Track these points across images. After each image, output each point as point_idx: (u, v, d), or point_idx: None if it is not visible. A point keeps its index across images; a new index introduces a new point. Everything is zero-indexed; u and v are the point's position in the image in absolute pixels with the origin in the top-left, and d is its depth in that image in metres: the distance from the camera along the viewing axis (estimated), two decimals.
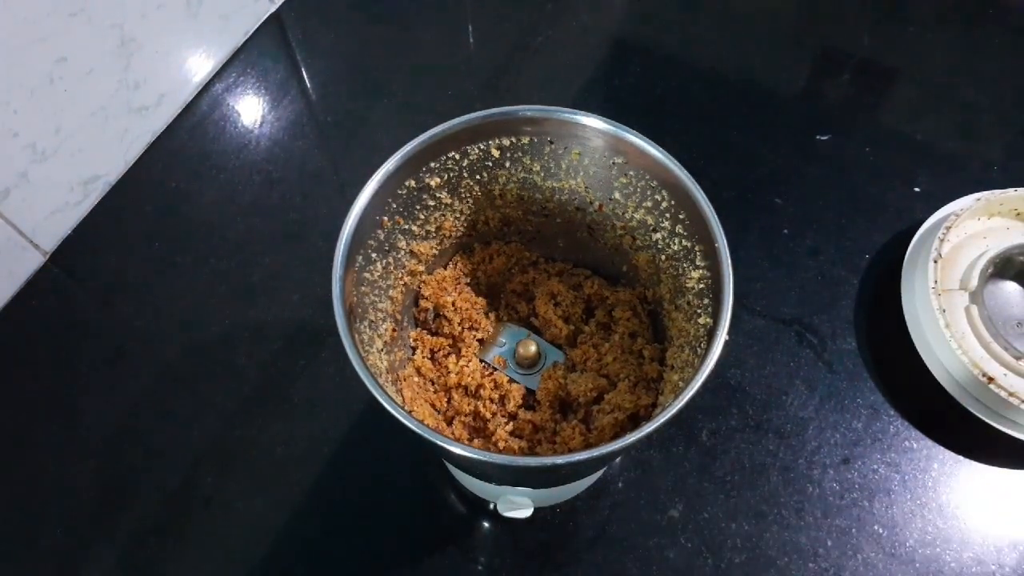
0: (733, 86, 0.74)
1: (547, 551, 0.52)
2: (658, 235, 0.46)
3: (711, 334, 0.39)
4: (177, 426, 0.57)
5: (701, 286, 0.42)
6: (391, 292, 0.47)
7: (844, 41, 0.77)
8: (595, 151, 0.45)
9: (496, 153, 0.46)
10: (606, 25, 0.79)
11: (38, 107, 0.58)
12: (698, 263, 0.43)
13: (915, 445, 0.55)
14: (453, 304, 0.50)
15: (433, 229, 0.49)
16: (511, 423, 0.48)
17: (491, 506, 0.52)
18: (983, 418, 0.54)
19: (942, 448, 0.55)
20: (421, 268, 0.49)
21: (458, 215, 0.49)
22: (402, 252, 0.47)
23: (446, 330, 0.51)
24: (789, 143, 0.70)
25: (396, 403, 0.36)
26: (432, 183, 0.46)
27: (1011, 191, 0.59)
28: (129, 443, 0.56)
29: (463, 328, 0.51)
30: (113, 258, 0.65)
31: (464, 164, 0.46)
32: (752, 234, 0.65)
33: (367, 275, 0.44)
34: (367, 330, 0.43)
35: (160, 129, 0.71)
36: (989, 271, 0.58)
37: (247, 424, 0.57)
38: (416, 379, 0.49)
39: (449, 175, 0.46)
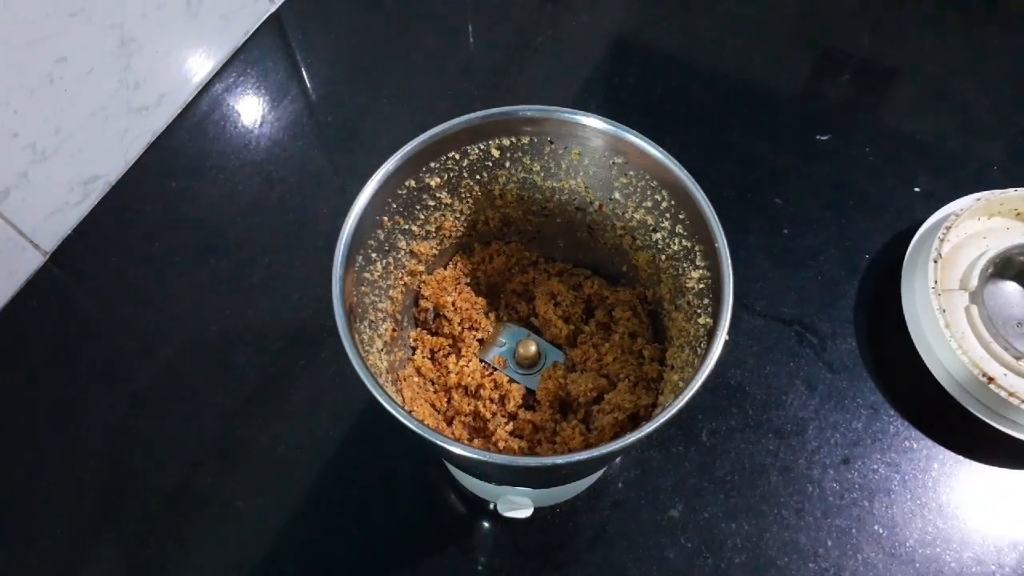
0: (733, 86, 0.74)
1: (547, 551, 0.52)
2: (658, 235, 0.46)
3: (711, 334, 0.39)
4: (177, 426, 0.57)
5: (701, 286, 0.42)
6: (391, 292, 0.47)
7: (844, 41, 0.77)
8: (595, 151, 0.45)
9: (496, 153, 0.46)
10: (606, 25, 0.79)
11: (38, 107, 0.58)
12: (698, 263, 0.43)
13: (915, 445, 0.55)
14: (453, 304, 0.50)
15: (433, 229, 0.49)
16: (511, 423, 0.48)
17: (491, 506, 0.52)
18: (983, 418, 0.54)
19: (942, 448, 0.55)
20: (421, 268, 0.49)
21: (458, 215, 0.49)
22: (402, 252, 0.47)
23: (446, 330, 0.51)
24: (789, 143, 0.70)
25: (396, 403, 0.36)
26: (432, 183, 0.46)
27: (1011, 191, 0.59)
28: (129, 443, 0.56)
29: (463, 328, 0.51)
30: (113, 258, 0.65)
31: (464, 164, 0.46)
32: (752, 234, 0.65)
33: (367, 275, 0.44)
34: (367, 330, 0.43)
35: (160, 129, 0.71)
36: (989, 271, 0.58)
37: (247, 424, 0.57)
38: (416, 379, 0.49)
39: (449, 175, 0.46)
